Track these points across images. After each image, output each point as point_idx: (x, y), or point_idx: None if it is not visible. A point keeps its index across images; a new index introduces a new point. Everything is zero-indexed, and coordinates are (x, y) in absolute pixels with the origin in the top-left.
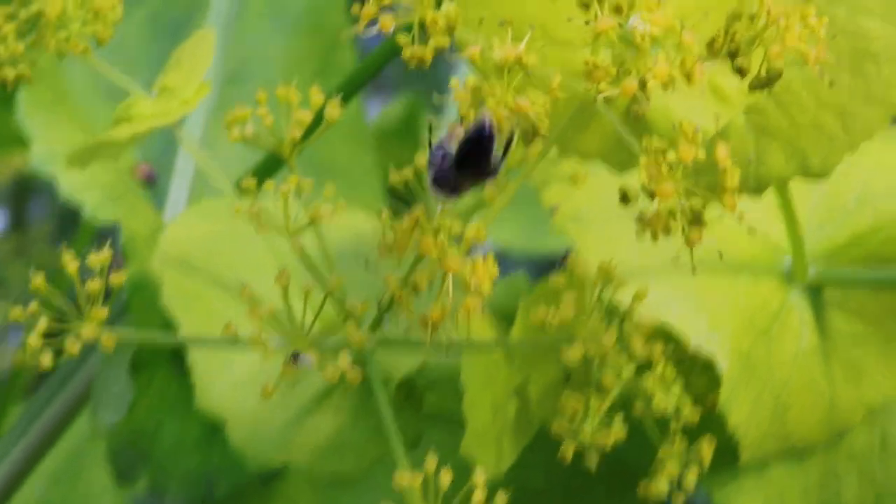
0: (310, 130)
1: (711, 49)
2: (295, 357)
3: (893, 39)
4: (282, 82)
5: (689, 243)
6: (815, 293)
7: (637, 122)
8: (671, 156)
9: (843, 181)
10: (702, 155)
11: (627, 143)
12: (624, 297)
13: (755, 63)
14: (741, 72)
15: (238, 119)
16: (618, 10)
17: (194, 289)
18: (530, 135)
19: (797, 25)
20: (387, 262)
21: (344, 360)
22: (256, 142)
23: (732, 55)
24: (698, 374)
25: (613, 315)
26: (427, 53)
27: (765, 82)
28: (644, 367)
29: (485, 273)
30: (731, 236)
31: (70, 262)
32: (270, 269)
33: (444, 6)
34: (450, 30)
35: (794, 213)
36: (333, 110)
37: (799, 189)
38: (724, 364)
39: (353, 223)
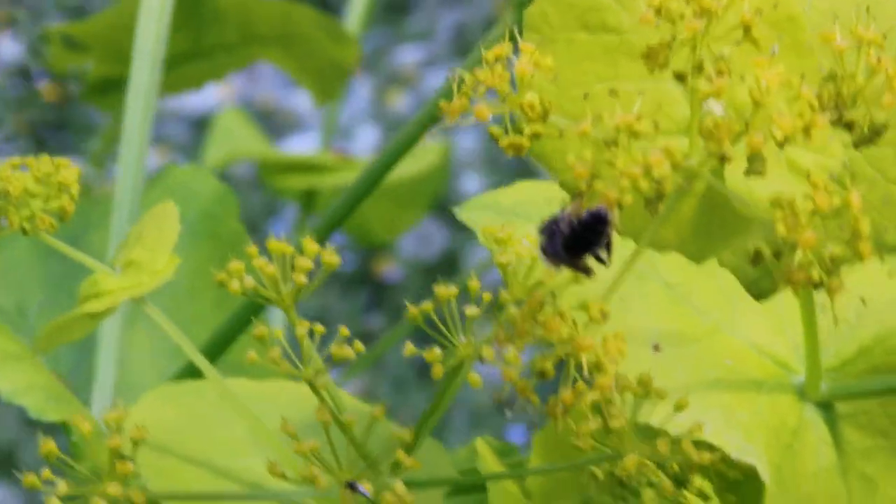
0: None
1: (820, 106)
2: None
3: None
4: (183, 292)
5: (832, 293)
6: (828, 409)
7: (719, 201)
8: (806, 205)
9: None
10: (837, 201)
11: (739, 205)
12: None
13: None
14: (850, 126)
15: (234, 273)
16: (720, 73)
17: (175, 470)
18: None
19: None
20: None
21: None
22: (256, 294)
23: (839, 111)
24: (728, 491)
25: (644, 431)
26: (525, 141)
27: (870, 137)
28: (680, 482)
29: (616, 349)
30: (743, 355)
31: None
32: (250, 447)
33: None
34: (545, 114)
35: (815, 326)
36: (332, 257)
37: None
38: (765, 475)
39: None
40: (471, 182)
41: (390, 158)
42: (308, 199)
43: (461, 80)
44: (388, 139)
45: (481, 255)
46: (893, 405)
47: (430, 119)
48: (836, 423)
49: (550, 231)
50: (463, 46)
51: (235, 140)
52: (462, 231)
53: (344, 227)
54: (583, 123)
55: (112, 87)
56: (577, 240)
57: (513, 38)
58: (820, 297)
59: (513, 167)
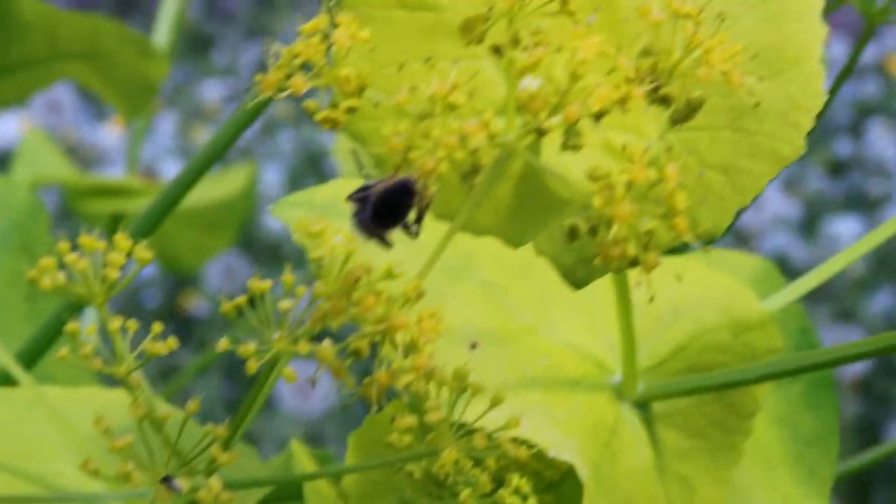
0: None
1: (636, 78)
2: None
3: (772, 94)
4: None
5: (647, 269)
6: (645, 409)
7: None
8: (622, 179)
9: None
10: (653, 175)
11: (556, 184)
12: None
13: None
14: (667, 101)
15: (47, 268)
16: (537, 46)
17: None
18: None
19: (718, 49)
20: None
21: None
22: (67, 290)
23: (655, 85)
24: (546, 491)
25: (461, 428)
26: (340, 116)
27: (687, 113)
28: (498, 481)
29: (431, 329)
30: (559, 354)
31: None
32: (63, 452)
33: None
34: (361, 89)
35: (631, 323)
36: (144, 252)
37: (610, 305)
38: (583, 473)
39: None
40: (275, 220)
41: (191, 176)
42: (115, 225)
43: (276, 55)
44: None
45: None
46: (709, 405)
47: (231, 137)
48: (652, 423)
49: (361, 200)
50: None
51: (41, 164)
52: (266, 267)
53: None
54: (398, 95)
55: None
56: (386, 209)
57: (325, 8)
58: (636, 275)
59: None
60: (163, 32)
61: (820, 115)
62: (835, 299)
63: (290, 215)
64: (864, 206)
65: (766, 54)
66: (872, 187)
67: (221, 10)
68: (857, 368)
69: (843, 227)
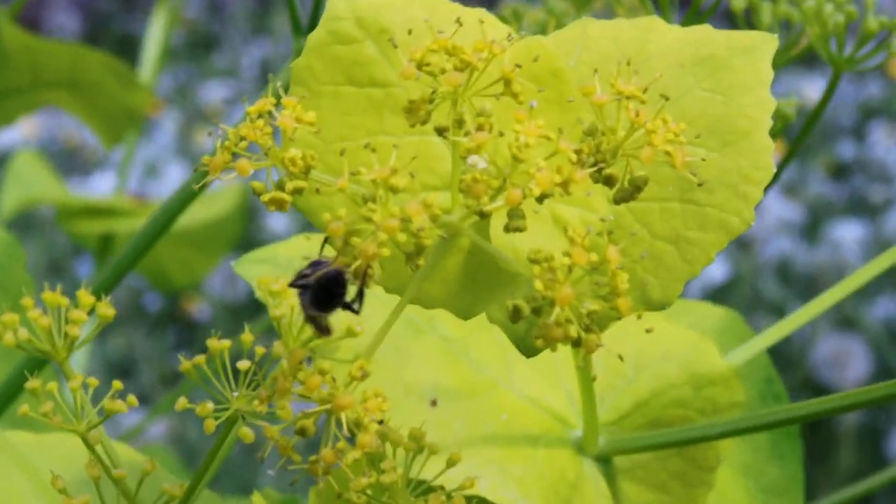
0: None
1: (578, 161)
2: None
3: (721, 166)
4: None
5: (589, 350)
6: (607, 463)
7: (484, 256)
8: (564, 261)
9: (619, 349)
10: (594, 258)
11: (502, 261)
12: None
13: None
14: (610, 181)
15: (9, 324)
16: (480, 128)
17: None
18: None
19: (661, 129)
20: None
21: None
22: (29, 347)
23: (598, 167)
24: None
25: (419, 486)
26: (286, 197)
27: (631, 192)
28: None
29: (376, 408)
30: (520, 409)
31: None
32: (29, 498)
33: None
34: (307, 169)
35: (590, 381)
36: (106, 310)
37: (570, 359)
38: None
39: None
40: (277, 221)
41: (178, 203)
42: (104, 244)
43: (225, 136)
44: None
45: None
46: (672, 460)
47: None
48: (614, 477)
49: (303, 286)
50: (267, 83)
51: (31, 183)
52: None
53: (141, 272)
54: (340, 180)
55: None
56: (322, 297)
57: (271, 90)
58: (599, 352)
59: None
60: (150, 53)
61: (822, 117)
62: (835, 306)
63: (252, 272)
64: (867, 210)
65: (715, 126)
66: (875, 191)
67: (223, 10)
68: (858, 374)
69: (846, 231)
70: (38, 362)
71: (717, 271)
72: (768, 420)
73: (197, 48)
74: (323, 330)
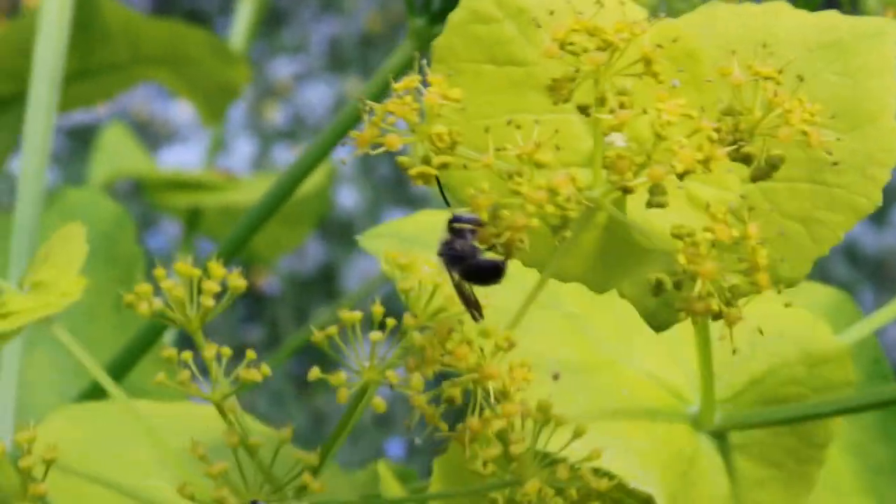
0: None
1: (719, 139)
2: None
3: (850, 147)
4: (82, 314)
5: (730, 323)
6: (722, 439)
7: (619, 232)
8: (706, 237)
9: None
10: (736, 233)
11: (641, 236)
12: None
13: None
14: (748, 159)
15: (143, 294)
16: (622, 106)
17: (82, 491)
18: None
19: (798, 109)
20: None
21: None
22: (164, 316)
23: (737, 145)
24: None
25: (545, 458)
26: (433, 171)
27: (767, 171)
28: None
29: (521, 377)
30: (639, 385)
31: None
32: (156, 467)
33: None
34: (453, 145)
35: (710, 358)
36: (237, 281)
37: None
38: (661, 503)
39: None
40: (347, 196)
41: (290, 183)
42: (192, 217)
43: (371, 110)
44: (265, 152)
45: (358, 268)
46: (785, 436)
47: (330, 143)
48: (729, 453)
49: (454, 257)
50: (336, 60)
51: (119, 156)
52: (338, 245)
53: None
54: (485, 156)
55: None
56: (475, 277)
57: (417, 67)
58: (717, 327)
59: (389, 181)
60: (240, 28)
61: None
62: None
63: (378, 246)
64: None
65: (843, 109)
66: None
67: None
68: None
69: None
70: (154, 333)
71: None
72: (880, 399)
73: (266, 23)
74: (472, 304)
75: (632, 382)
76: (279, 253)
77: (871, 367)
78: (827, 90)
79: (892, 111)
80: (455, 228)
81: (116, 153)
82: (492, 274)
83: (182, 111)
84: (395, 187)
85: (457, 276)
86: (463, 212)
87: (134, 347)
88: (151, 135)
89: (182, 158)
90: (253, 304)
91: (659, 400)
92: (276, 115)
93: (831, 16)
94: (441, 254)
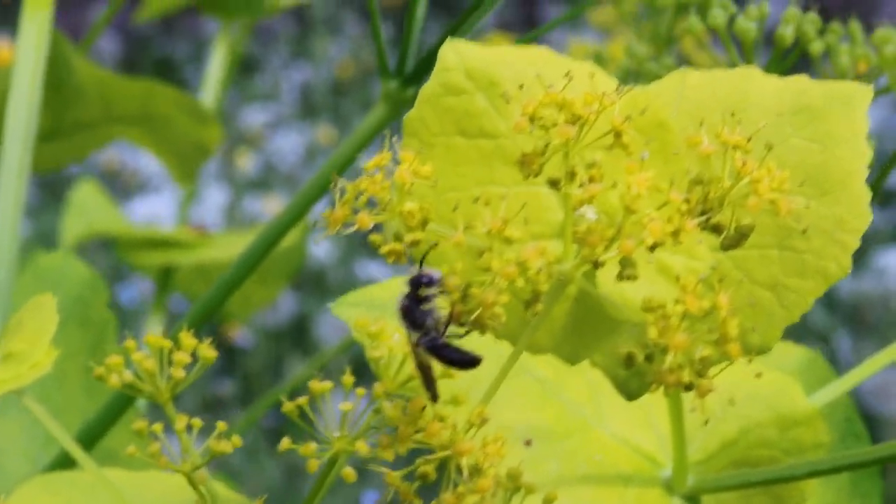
0: None
1: (688, 210)
2: None
3: (819, 213)
4: (53, 378)
5: (702, 394)
6: (695, 502)
7: (590, 304)
8: (676, 309)
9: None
10: (707, 305)
11: (611, 308)
12: None
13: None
14: (718, 229)
15: (113, 367)
16: (592, 180)
17: None
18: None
19: (766, 178)
20: None
21: None
22: (134, 388)
23: (707, 216)
24: None
25: None
26: (404, 248)
27: (737, 240)
28: None
29: (495, 452)
30: (612, 449)
31: None
32: None
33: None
34: (424, 222)
35: (682, 422)
36: (208, 352)
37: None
38: None
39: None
40: (319, 246)
41: (265, 243)
42: (165, 275)
43: (342, 190)
44: (237, 201)
45: (331, 319)
46: (757, 497)
47: (307, 201)
48: None
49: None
50: (308, 107)
51: (91, 213)
52: (310, 296)
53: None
54: (455, 234)
55: None
56: (444, 363)
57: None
58: (690, 395)
59: (362, 232)
60: (211, 86)
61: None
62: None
63: (349, 314)
64: None
65: (813, 175)
66: None
67: (264, 33)
68: None
69: (893, 259)
70: (126, 399)
71: None
72: (853, 461)
73: (237, 71)
74: (429, 382)
75: (604, 447)
76: (252, 310)
77: (844, 426)
78: (796, 156)
79: (861, 177)
80: (416, 290)
81: (88, 210)
82: (467, 366)
83: (153, 161)
84: (365, 245)
85: (415, 338)
86: (426, 271)
87: (106, 413)
88: (121, 185)
89: (154, 209)
90: (225, 357)
91: (632, 464)
92: (247, 164)
93: (802, 80)
94: (401, 313)
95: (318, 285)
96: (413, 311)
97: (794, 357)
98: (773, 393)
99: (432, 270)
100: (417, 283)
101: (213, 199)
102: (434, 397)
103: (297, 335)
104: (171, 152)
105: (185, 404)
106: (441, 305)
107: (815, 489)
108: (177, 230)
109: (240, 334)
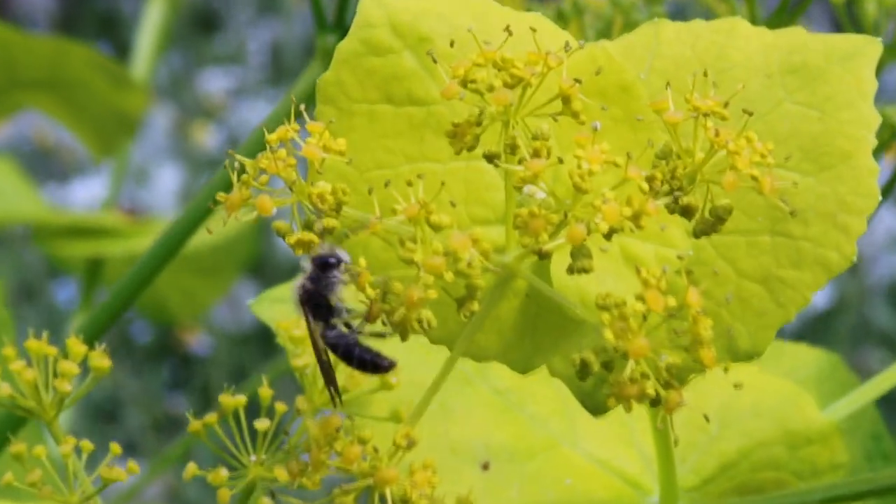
0: None
1: (651, 189)
2: None
3: (818, 192)
4: None
5: (669, 409)
6: None
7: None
8: (637, 307)
9: (701, 402)
10: (672, 302)
11: (566, 307)
12: None
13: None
14: (688, 212)
15: None
16: (536, 154)
17: None
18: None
19: (746, 150)
20: None
21: None
22: (12, 404)
23: (675, 194)
24: None
25: None
26: (315, 238)
27: (712, 224)
28: None
29: (425, 481)
30: (586, 472)
31: None
32: None
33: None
34: (338, 206)
35: (669, 441)
36: (101, 361)
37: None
38: None
39: None
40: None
41: (188, 224)
42: (92, 269)
43: (241, 168)
44: (194, 182)
45: None
46: None
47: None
48: None
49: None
50: (278, 71)
51: (6, 197)
52: None
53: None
54: (372, 220)
55: None
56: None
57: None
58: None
59: None
60: (146, 43)
61: None
62: None
63: (270, 313)
64: None
65: (810, 147)
66: None
67: None
68: None
69: None
70: (18, 419)
71: (818, 296)
72: (880, 485)
73: (194, 29)
74: (330, 380)
75: (576, 469)
76: (198, 309)
77: (870, 445)
78: (790, 124)
79: (868, 148)
80: (322, 271)
81: (1, 194)
82: (379, 370)
83: None
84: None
85: (318, 329)
86: (335, 250)
87: None
88: (58, 165)
89: (95, 193)
90: (179, 366)
91: (610, 490)
92: (206, 139)
93: (798, 33)
94: (301, 297)
95: (287, 281)
96: (316, 296)
97: (811, 362)
98: (780, 405)
99: (342, 251)
100: (323, 264)
101: (165, 180)
102: (336, 399)
103: (264, 339)
104: (86, 122)
105: (130, 423)
106: (350, 294)
107: None
108: (105, 216)
109: (196, 339)
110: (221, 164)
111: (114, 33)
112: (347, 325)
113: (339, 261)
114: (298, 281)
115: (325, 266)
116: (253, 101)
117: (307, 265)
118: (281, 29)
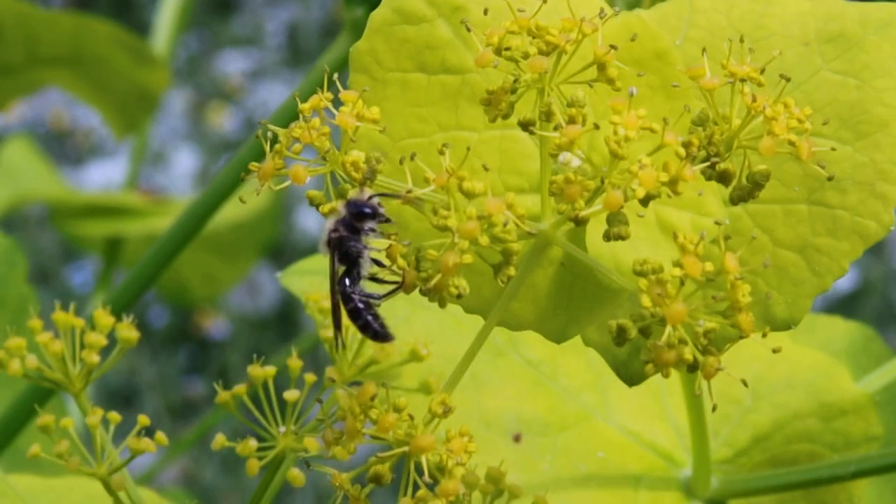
0: None
1: (688, 155)
2: None
3: (855, 161)
4: None
5: (707, 375)
6: None
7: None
8: (674, 273)
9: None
10: (709, 268)
11: (602, 274)
12: None
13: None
14: (725, 178)
15: (15, 351)
16: (572, 121)
17: None
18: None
19: (783, 115)
20: None
21: None
22: (40, 376)
23: (712, 160)
24: None
25: None
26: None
27: (750, 191)
28: None
29: (461, 449)
30: (618, 445)
31: None
32: None
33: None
34: (373, 174)
35: (702, 412)
36: (128, 332)
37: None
38: None
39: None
40: (309, 217)
41: (211, 202)
42: (111, 249)
43: (274, 137)
44: (211, 165)
45: None
46: (797, 500)
47: (255, 155)
48: None
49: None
50: (296, 52)
51: (23, 177)
52: None
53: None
54: (407, 188)
55: None
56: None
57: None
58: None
59: None
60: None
61: None
62: None
63: (299, 285)
64: None
65: (847, 115)
66: None
67: None
68: None
69: None
70: (44, 391)
71: (842, 278)
72: None
73: (212, 11)
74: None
75: (609, 442)
76: (219, 291)
77: None
78: (827, 92)
79: None
80: (356, 217)
81: (19, 173)
82: (379, 338)
83: None
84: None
85: (340, 271)
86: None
87: (20, 410)
88: (69, 149)
89: (110, 175)
90: (196, 351)
91: (643, 463)
92: (223, 121)
93: (834, 2)
94: (331, 241)
95: None
96: (345, 243)
97: (845, 334)
98: (814, 376)
99: (378, 203)
100: (358, 213)
101: (183, 162)
102: (337, 343)
103: (282, 323)
104: (108, 99)
105: (147, 407)
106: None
107: (868, 493)
108: (124, 195)
109: (214, 324)
110: (239, 146)
111: (129, 15)
112: (374, 279)
113: (375, 213)
114: (330, 223)
115: (359, 216)
116: (270, 83)
117: (342, 209)
118: (298, 10)
